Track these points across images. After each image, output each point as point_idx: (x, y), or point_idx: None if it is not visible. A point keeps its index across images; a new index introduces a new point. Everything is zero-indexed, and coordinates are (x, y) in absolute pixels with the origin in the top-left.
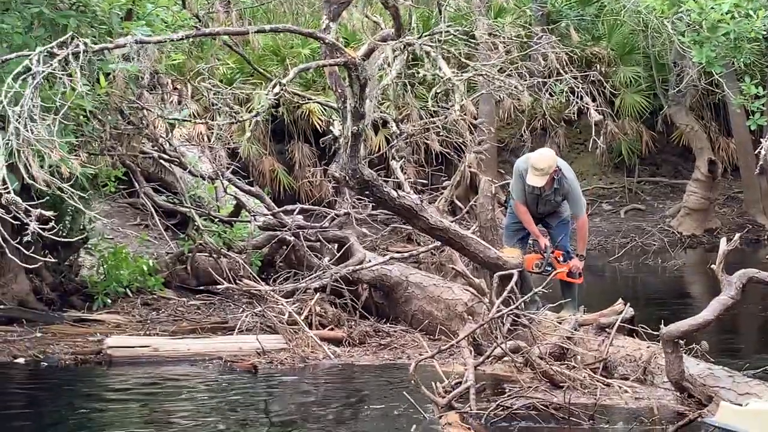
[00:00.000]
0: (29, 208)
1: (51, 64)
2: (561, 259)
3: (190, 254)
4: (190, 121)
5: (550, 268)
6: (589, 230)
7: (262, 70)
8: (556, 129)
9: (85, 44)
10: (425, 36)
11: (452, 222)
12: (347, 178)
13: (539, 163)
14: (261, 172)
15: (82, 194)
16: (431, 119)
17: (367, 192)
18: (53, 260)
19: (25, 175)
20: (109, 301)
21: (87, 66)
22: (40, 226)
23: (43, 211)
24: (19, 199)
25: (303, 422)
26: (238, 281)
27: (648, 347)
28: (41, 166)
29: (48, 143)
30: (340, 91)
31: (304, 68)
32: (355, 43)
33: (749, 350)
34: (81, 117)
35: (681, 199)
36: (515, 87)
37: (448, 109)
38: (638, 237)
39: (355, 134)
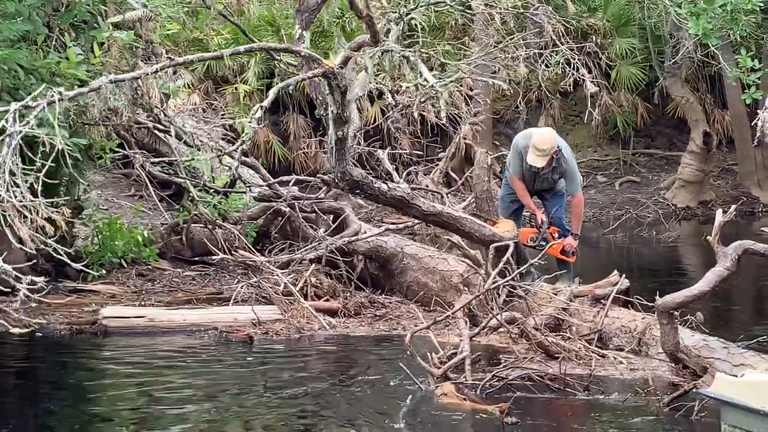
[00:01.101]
0: (19, 275)
1: (28, 122)
2: (557, 236)
3: (185, 225)
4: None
5: (545, 243)
6: (585, 202)
7: (257, 41)
8: (551, 101)
9: (60, 93)
10: (422, 6)
11: (447, 193)
12: (336, 180)
13: (542, 144)
14: (256, 144)
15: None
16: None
17: (357, 191)
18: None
19: (12, 239)
20: (104, 271)
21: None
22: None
23: (35, 278)
24: (8, 267)
25: (298, 393)
26: (233, 252)
27: (643, 318)
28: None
29: (32, 206)
30: (321, 98)
31: (284, 86)
32: (348, 14)
33: (744, 321)
34: (75, 87)
35: (676, 171)
36: (500, 82)
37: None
38: (633, 209)
39: (341, 139)
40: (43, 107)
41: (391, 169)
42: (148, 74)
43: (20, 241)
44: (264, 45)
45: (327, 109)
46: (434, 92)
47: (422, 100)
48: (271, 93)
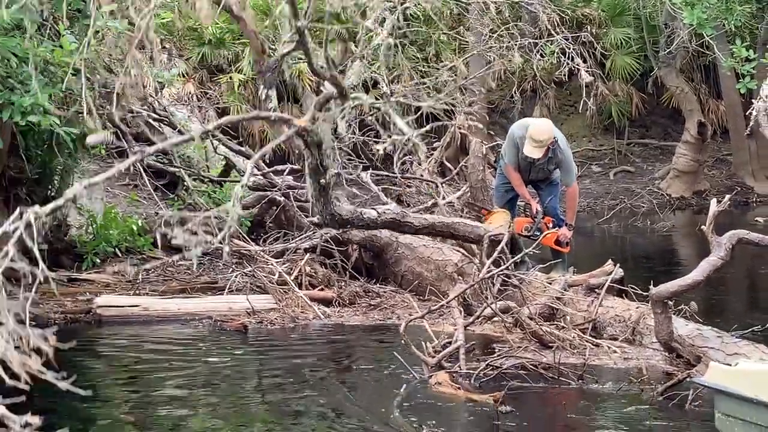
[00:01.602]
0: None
1: (7, 253)
2: (551, 226)
3: None
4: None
5: (539, 233)
6: (579, 192)
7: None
8: (546, 91)
9: (35, 212)
10: None
11: (442, 183)
12: (326, 222)
13: (539, 135)
14: (251, 133)
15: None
16: (422, 80)
17: (349, 226)
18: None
19: (5, 376)
20: (99, 260)
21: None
22: None
23: (30, 418)
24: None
25: (292, 382)
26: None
27: (637, 308)
28: None
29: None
30: (298, 151)
31: (263, 152)
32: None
33: (738, 311)
34: (70, 75)
35: (670, 161)
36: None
37: (439, 69)
38: (627, 199)
39: (323, 186)
40: (21, 231)
41: (377, 189)
42: (120, 170)
43: (13, 376)
44: (235, 117)
45: (304, 161)
46: (411, 144)
47: (401, 154)
48: (250, 164)
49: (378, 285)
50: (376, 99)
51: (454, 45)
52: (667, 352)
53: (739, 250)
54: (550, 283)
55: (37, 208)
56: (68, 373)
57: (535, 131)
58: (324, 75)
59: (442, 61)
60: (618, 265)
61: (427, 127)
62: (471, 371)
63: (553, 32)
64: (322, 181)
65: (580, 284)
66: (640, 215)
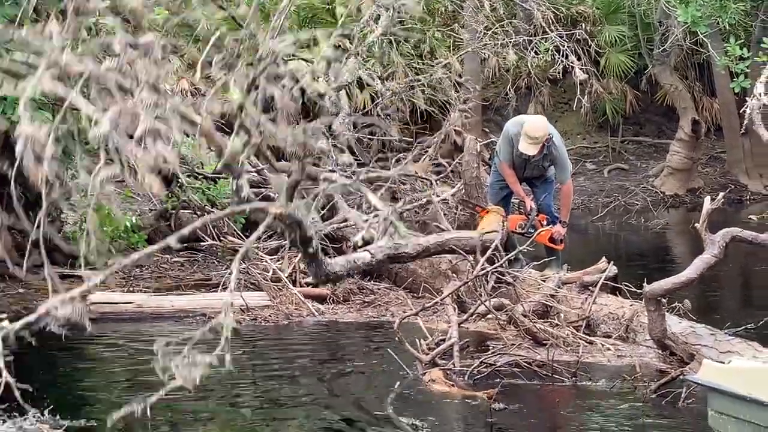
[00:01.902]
0: None
1: None
2: (545, 223)
3: (173, 211)
4: None
5: (533, 230)
6: (573, 190)
7: (246, 27)
8: (540, 88)
9: (4, 328)
10: None
11: (436, 180)
12: (322, 282)
13: (534, 132)
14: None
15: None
16: (416, 77)
17: (346, 277)
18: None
19: None
20: (92, 257)
21: None
22: None
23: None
24: None
25: (286, 379)
26: (222, 238)
27: (631, 305)
28: None
29: None
30: (280, 229)
31: (247, 249)
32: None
33: (731, 309)
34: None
35: (664, 159)
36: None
37: (434, 66)
38: (621, 196)
39: (312, 253)
40: None
41: (363, 224)
42: (96, 284)
43: None
44: (216, 215)
45: (288, 236)
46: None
47: (379, 235)
48: (237, 259)
49: (372, 282)
50: (349, 177)
51: (449, 42)
52: (661, 350)
53: (732, 248)
54: (544, 281)
55: (6, 323)
56: (64, 373)
57: (530, 128)
58: (290, 170)
59: (436, 58)
60: (612, 262)
61: (400, 205)
62: (465, 368)
63: (547, 30)
64: (310, 250)
65: (574, 282)
66: (634, 213)
